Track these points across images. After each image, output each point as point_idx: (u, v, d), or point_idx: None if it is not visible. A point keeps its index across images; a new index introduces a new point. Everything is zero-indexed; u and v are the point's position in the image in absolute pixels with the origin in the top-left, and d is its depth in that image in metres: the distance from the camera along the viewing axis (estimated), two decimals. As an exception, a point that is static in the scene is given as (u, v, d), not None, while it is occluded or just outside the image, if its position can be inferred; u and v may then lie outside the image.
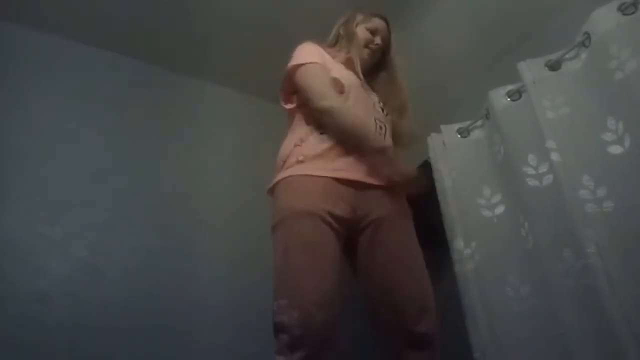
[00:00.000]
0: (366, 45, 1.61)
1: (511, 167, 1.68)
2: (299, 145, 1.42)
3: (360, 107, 1.47)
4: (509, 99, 1.75)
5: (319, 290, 1.19)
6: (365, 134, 1.40)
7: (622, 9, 1.45)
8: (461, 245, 1.81)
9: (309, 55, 1.48)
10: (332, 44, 1.65)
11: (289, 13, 2.39)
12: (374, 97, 1.59)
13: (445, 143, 2.00)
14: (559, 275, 1.45)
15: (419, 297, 1.32)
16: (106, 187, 2.19)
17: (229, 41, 2.52)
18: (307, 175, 1.35)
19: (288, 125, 1.55)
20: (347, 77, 1.50)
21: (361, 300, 1.40)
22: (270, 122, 2.71)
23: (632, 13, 1.44)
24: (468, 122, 1.98)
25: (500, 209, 1.78)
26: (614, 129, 1.44)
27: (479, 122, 1.95)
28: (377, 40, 1.63)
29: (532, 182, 1.59)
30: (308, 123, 1.45)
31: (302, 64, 1.46)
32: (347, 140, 1.39)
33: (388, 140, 1.51)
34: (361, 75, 1.56)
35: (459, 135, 1.99)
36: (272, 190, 1.43)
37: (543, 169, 1.57)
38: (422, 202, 1.47)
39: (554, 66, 1.66)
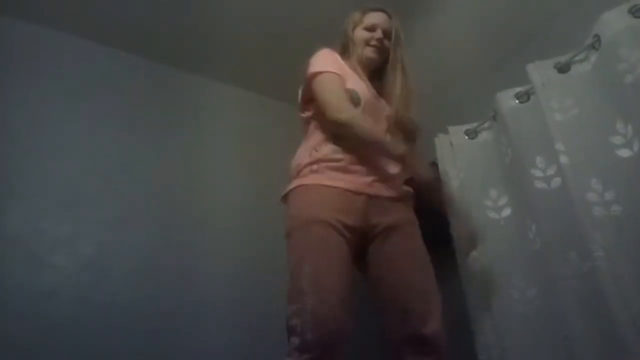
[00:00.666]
0: (367, 44, 1.59)
1: (519, 169, 1.68)
2: (313, 154, 1.45)
3: (371, 120, 1.48)
4: (517, 101, 1.74)
5: (332, 296, 1.22)
6: (382, 144, 1.45)
7: (633, 12, 1.44)
8: (467, 247, 1.79)
9: (325, 63, 1.49)
10: (341, 52, 1.62)
11: (293, 11, 2.39)
12: (386, 107, 1.57)
13: (453, 144, 2.00)
14: (565, 278, 1.45)
15: (426, 300, 1.34)
16: (112, 185, 2.20)
17: (235, 39, 2.54)
18: (321, 185, 1.39)
19: (303, 132, 1.58)
20: (361, 88, 1.51)
21: (368, 308, 1.41)
22: (274, 120, 2.74)
23: (643, 16, 1.43)
24: (476, 124, 1.97)
25: (507, 211, 1.77)
26: (623, 132, 1.43)
27: (486, 124, 1.94)
28: (377, 34, 1.59)
29: (539, 185, 1.58)
30: (323, 132, 1.48)
31: (319, 72, 1.47)
32: (366, 150, 1.43)
33: (402, 148, 1.50)
34: (368, 83, 1.55)
35: (466, 137, 1.98)
36: (285, 198, 1.46)
37: (551, 171, 1.56)
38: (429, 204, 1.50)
39: (563, 68, 1.64)
